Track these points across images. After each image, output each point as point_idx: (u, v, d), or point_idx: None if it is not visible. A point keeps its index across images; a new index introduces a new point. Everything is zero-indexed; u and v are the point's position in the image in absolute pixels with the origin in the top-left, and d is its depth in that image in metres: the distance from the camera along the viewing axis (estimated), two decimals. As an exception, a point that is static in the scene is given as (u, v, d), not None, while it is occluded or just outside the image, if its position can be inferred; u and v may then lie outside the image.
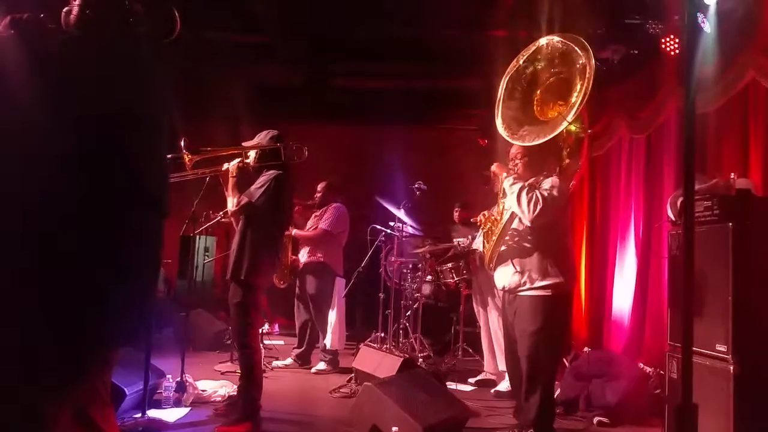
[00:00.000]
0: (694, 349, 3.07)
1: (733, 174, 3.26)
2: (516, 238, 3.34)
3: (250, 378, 3.59)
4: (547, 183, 3.28)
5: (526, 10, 5.98)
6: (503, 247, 3.40)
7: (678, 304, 1.95)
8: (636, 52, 5.18)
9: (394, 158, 8.15)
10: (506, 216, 3.36)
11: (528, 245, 3.29)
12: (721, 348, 2.93)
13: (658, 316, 4.81)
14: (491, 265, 3.48)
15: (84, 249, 1.75)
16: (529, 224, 3.23)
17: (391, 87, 8.39)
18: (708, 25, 3.83)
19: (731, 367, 2.85)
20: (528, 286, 3.24)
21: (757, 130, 4.10)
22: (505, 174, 3.41)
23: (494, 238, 3.41)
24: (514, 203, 3.26)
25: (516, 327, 3.31)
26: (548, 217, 3.20)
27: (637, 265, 5.34)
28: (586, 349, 5.16)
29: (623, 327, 5.46)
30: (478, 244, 5.36)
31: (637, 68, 5.25)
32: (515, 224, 3.34)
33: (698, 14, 4.00)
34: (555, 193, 3.22)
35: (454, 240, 6.08)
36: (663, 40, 4.65)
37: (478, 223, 3.67)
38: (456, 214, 6.55)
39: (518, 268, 3.28)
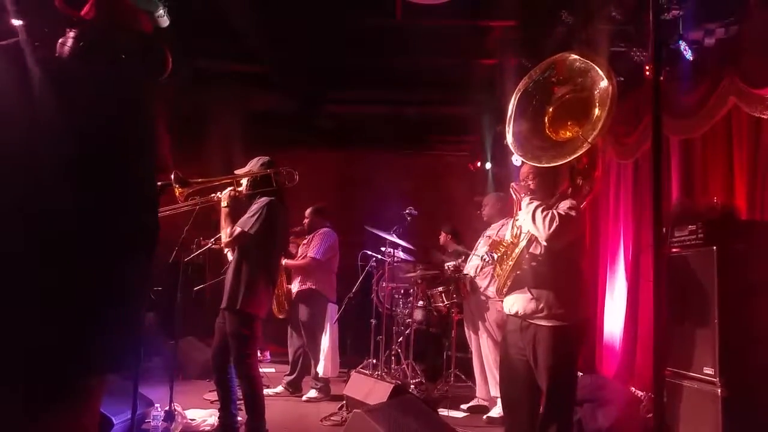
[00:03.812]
0: (682, 372, 3.13)
1: (715, 198, 3.29)
2: (533, 263, 3.15)
3: (252, 406, 3.60)
4: (565, 204, 3.12)
5: (515, 39, 6.12)
6: (518, 272, 3.20)
7: (659, 328, 1.98)
8: (622, 79, 5.26)
9: (385, 184, 8.20)
10: (524, 240, 3.16)
11: (545, 270, 3.11)
12: (709, 371, 2.94)
13: (650, 340, 4.82)
14: (504, 291, 3.27)
15: (74, 276, 1.76)
16: (545, 243, 3.06)
17: (382, 113, 8.49)
18: (689, 53, 3.92)
19: (719, 390, 2.86)
20: (545, 313, 3.07)
21: (741, 155, 4.17)
22: (523, 195, 3.23)
23: (510, 262, 3.19)
24: (529, 221, 3.10)
25: (538, 359, 3.10)
26: (565, 237, 3.05)
27: (627, 289, 5.36)
28: (578, 374, 5.14)
29: (615, 351, 5.47)
30: (469, 268, 5.38)
31: (623, 95, 5.32)
32: (532, 248, 3.16)
33: (680, 42, 4.12)
34: (573, 213, 3.06)
35: (444, 264, 6.10)
36: (647, 68, 4.74)
37: (490, 248, 3.51)
38: (441, 238, 6.60)
39: (534, 295, 3.10)
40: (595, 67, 2.92)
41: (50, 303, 1.72)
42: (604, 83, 2.87)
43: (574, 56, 3.00)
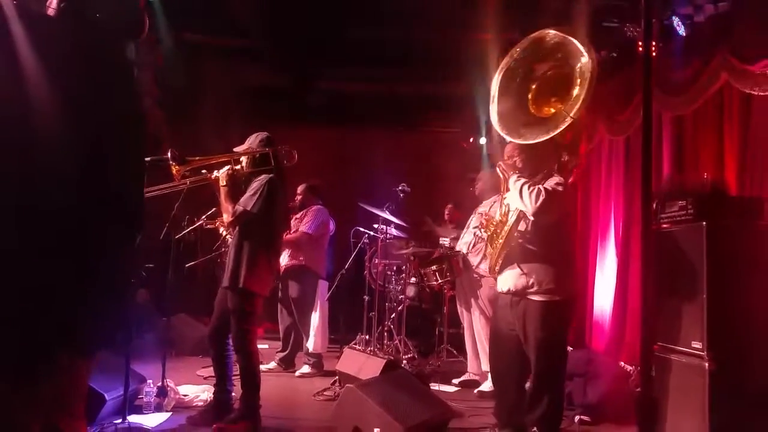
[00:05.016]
0: (670, 346, 3.17)
1: (705, 174, 3.31)
2: (522, 240, 3.20)
3: (248, 381, 3.61)
4: (552, 180, 3.16)
5: (507, 14, 6.06)
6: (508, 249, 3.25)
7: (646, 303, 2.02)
8: (614, 55, 5.24)
9: (377, 161, 8.17)
10: (512, 218, 3.22)
11: (534, 247, 3.17)
12: (697, 345, 2.98)
13: (639, 315, 4.86)
14: (496, 269, 3.33)
15: (58, 258, 1.74)
16: (532, 217, 3.10)
17: (375, 90, 8.43)
18: (682, 28, 3.91)
19: (706, 364, 2.90)
20: (536, 288, 3.13)
21: (732, 132, 4.18)
22: (510, 173, 3.27)
23: (500, 241, 3.25)
24: (516, 198, 3.14)
25: (528, 333, 3.16)
26: (552, 212, 3.09)
27: (618, 265, 5.40)
28: (567, 348, 5.19)
29: (604, 326, 5.52)
30: (461, 245, 5.39)
31: (616, 71, 5.31)
32: (521, 226, 3.21)
33: (673, 18, 4.10)
34: (559, 188, 3.11)
35: (440, 239, 6.12)
36: (640, 43, 4.71)
37: (481, 226, 3.55)
38: (447, 213, 6.62)
39: (525, 271, 3.16)
40: (575, 42, 2.93)
41: (36, 281, 1.71)
42: (584, 58, 2.88)
43: (553, 32, 3.01)
